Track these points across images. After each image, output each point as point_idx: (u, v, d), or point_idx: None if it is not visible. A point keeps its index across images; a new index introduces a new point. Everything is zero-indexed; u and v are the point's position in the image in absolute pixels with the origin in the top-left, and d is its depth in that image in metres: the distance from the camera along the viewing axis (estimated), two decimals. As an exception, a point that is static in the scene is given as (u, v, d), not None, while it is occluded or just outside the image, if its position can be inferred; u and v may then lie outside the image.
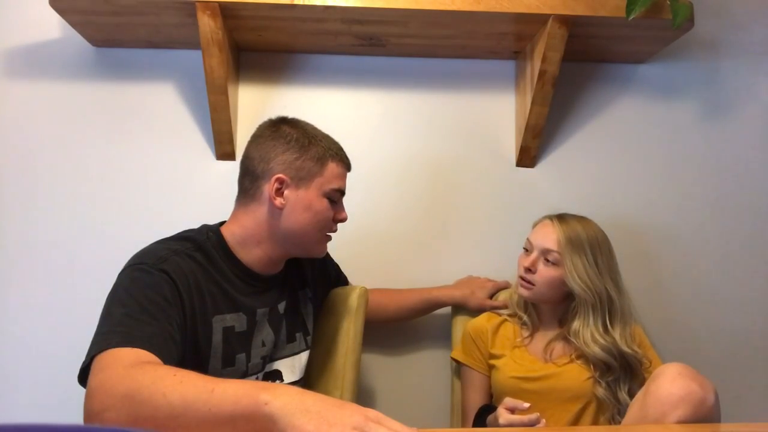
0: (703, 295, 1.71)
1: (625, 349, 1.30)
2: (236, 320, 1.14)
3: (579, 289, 1.32)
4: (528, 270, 1.36)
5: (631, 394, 1.29)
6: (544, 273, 1.34)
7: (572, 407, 1.30)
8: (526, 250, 1.40)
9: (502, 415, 1.13)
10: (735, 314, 1.71)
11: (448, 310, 1.61)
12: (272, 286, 1.24)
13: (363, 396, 1.61)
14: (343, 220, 1.24)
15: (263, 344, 1.19)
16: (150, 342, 0.91)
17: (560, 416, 1.30)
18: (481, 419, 1.31)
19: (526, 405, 1.13)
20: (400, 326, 1.64)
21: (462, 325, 1.55)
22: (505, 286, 1.59)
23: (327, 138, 1.21)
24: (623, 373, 1.30)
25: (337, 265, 1.50)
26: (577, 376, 1.32)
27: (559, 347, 1.38)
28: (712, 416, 0.97)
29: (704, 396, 0.95)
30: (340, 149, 1.22)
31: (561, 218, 1.38)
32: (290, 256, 1.25)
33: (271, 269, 1.22)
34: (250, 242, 1.17)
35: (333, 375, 1.34)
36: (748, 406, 1.68)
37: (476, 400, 1.42)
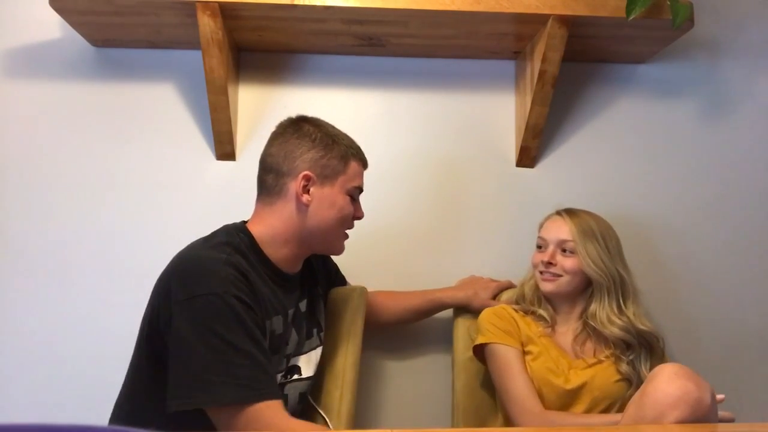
0: (702, 297, 1.71)
1: (641, 326, 1.35)
2: (277, 323, 1.14)
3: (594, 274, 1.36)
4: (549, 264, 1.39)
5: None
6: (565, 263, 1.38)
7: (598, 407, 1.31)
8: (540, 247, 1.43)
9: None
10: (735, 312, 1.71)
11: (449, 310, 1.60)
12: (295, 285, 1.25)
13: (364, 397, 1.61)
14: (360, 217, 1.27)
15: (287, 343, 1.20)
16: (270, 390, 1.01)
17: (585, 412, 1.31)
18: None
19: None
20: (402, 327, 1.64)
21: (464, 325, 1.54)
22: (508, 286, 1.59)
23: (347, 137, 1.25)
24: (643, 350, 1.35)
25: (335, 264, 1.50)
26: (608, 377, 1.33)
27: (588, 344, 1.39)
28: (709, 416, 0.97)
29: (701, 396, 0.96)
30: (359, 148, 1.26)
31: (569, 211, 1.43)
32: (312, 253, 1.27)
33: (294, 268, 1.24)
34: (278, 241, 1.18)
35: (333, 375, 1.34)
36: (748, 403, 1.68)
37: (529, 382, 1.32)
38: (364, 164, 1.26)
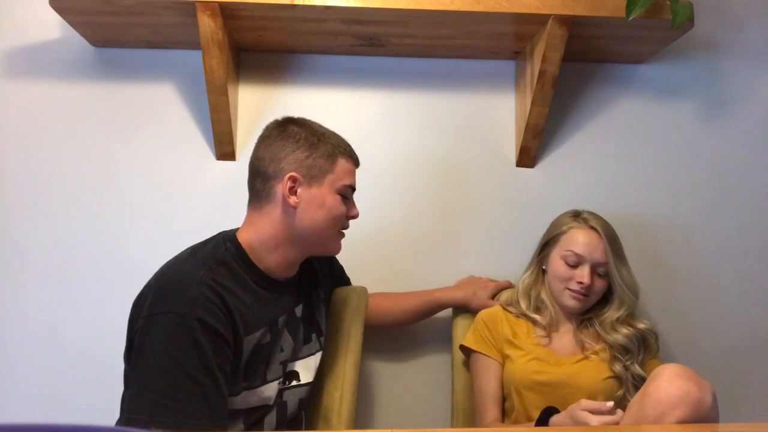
0: (703, 297, 1.71)
1: (641, 326, 1.37)
2: (263, 335, 1.13)
3: (624, 294, 1.38)
4: (588, 287, 1.36)
5: (643, 365, 1.34)
6: (596, 284, 1.38)
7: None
8: (572, 265, 1.37)
9: (591, 418, 1.04)
10: (735, 312, 1.71)
11: (448, 310, 1.60)
12: (289, 290, 1.23)
13: (364, 397, 1.61)
14: (355, 216, 1.24)
15: (282, 350, 1.19)
16: (211, 423, 0.96)
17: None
18: (543, 423, 1.21)
19: (610, 404, 1.06)
20: (401, 327, 1.64)
21: (463, 325, 1.55)
22: (507, 286, 1.59)
23: (335, 135, 1.22)
24: (640, 351, 1.36)
25: (341, 266, 1.50)
26: (597, 374, 1.33)
27: (582, 341, 1.39)
28: (710, 416, 0.97)
29: (702, 396, 0.96)
30: (348, 146, 1.23)
31: (599, 223, 1.39)
32: (307, 256, 1.24)
33: (288, 273, 1.22)
34: (268, 246, 1.16)
35: (333, 375, 1.34)
36: (748, 403, 1.68)
37: (494, 387, 1.39)
38: (354, 162, 1.23)
